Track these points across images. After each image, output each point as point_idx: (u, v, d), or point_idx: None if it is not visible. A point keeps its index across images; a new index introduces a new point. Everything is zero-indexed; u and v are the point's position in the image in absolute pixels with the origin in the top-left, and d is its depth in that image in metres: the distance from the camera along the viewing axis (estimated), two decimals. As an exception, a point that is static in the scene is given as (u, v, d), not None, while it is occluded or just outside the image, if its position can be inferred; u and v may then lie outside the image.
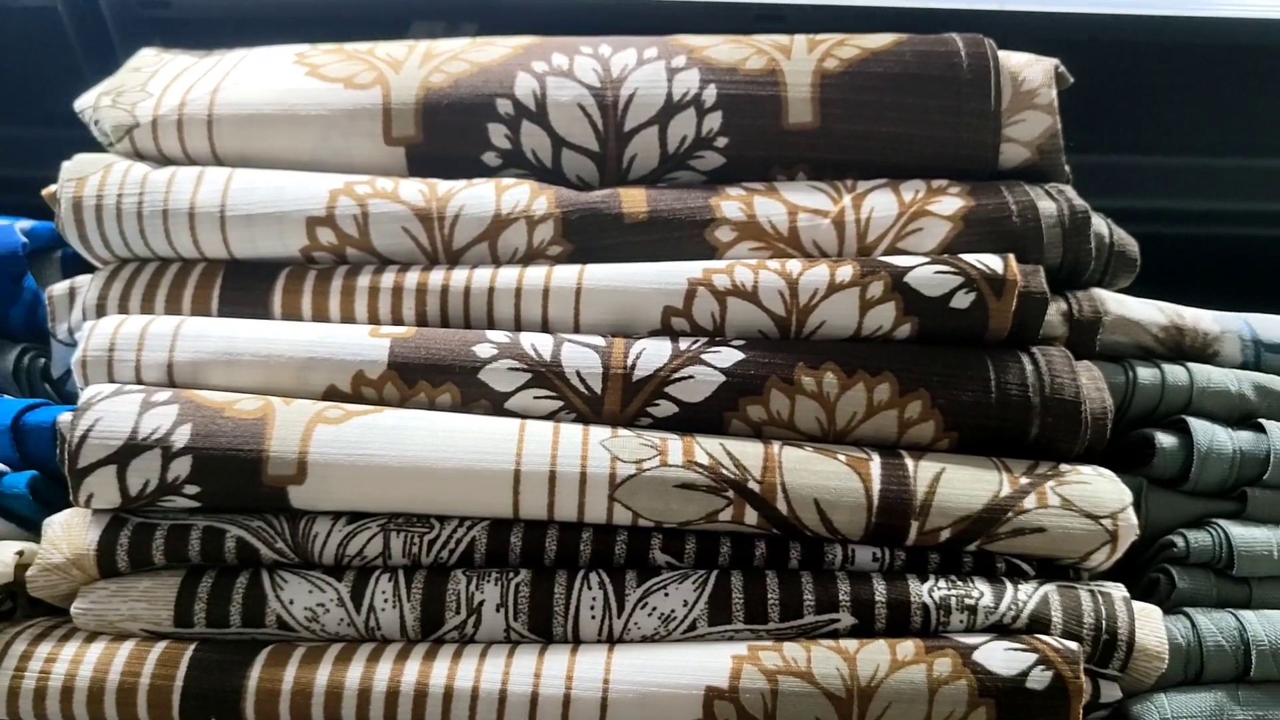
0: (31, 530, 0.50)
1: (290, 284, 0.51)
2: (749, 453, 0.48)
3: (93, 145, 0.55)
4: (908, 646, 0.46)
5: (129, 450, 0.46)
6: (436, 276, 0.51)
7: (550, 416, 0.49)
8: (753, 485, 0.47)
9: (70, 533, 0.47)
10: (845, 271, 0.50)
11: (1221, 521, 0.51)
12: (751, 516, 0.47)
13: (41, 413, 0.51)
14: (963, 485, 0.48)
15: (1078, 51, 0.56)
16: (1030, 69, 0.54)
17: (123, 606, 0.46)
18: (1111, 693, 0.47)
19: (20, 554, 0.48)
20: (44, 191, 0.53)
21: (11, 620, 0.48)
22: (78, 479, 0.46)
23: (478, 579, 0.47)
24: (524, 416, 0.49)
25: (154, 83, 0.55)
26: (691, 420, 0.49)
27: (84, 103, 0.55)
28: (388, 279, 0.51)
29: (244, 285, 0.52)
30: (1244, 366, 0.54)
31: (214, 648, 0.46)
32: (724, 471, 0.47)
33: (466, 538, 0.47)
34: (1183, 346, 0.54)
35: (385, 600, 0.46)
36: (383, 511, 0.47)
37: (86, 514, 0.48)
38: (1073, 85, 0.55)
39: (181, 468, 0.46)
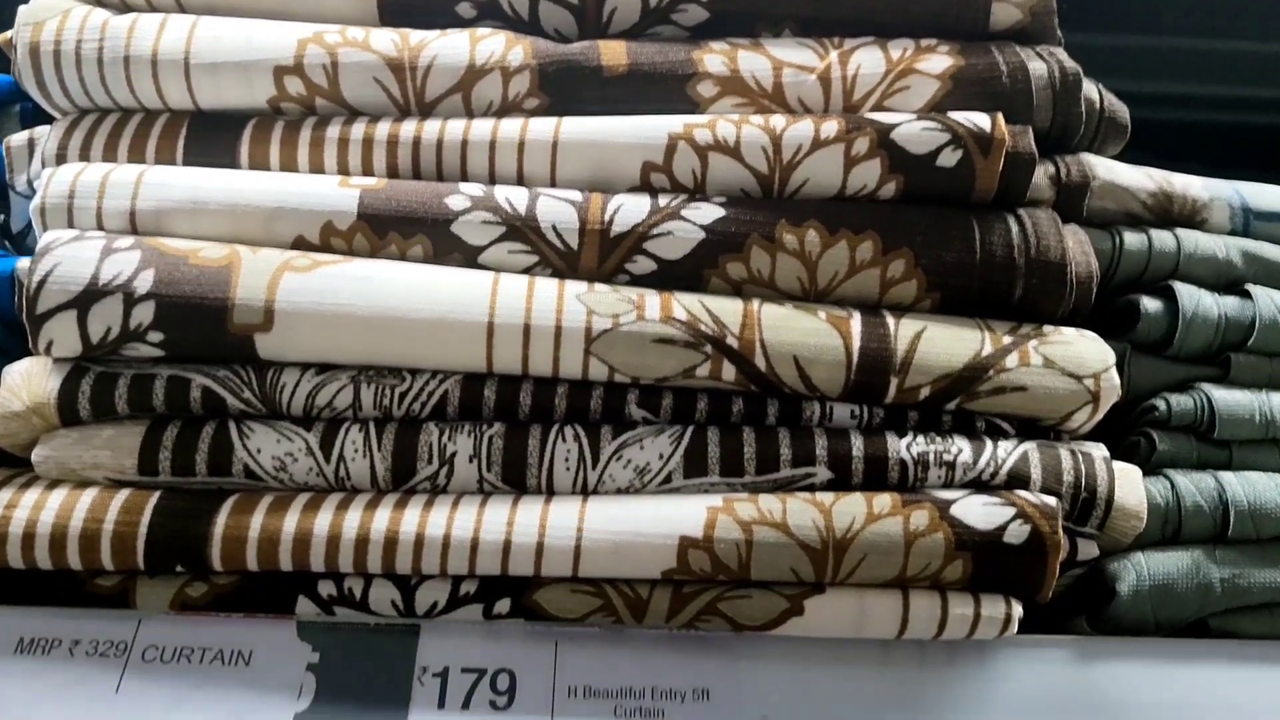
0: (-9, 382, 0.48)
1: (257, 135, 0.50)
2: (728, 309, 0.47)
3: (52, -7, 0.52)
4: (884, 500, 0.45)
5: (90, 295, 0.45)
6: (408, 128, 0.49)
7: (525, 272, 0.48)
8: (731, 341, 0.46)
9: (30, 381, 0.46)
10: (830, 127, 0.48)
11: (1204, 385, 0.50)
12: (729, 373, 0.46)
13: None
14: (944, 343, 0.47)
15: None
16: (1023, -73, 0.53)
17: (85, 454, 0.45)
18: (1089, 551, 0.47)
19: (-21, 404, 0.47)
20: None
21: (-29, 471, 0.47)
22: (37, 325, 0.45)
23: (450, 430, 0.46)
24: (498, 271, 0.47)
25: (115, -73, 0.53)
26: (670, 278, 0.48)
27: (42, -53, 0.53)
28: (358, 130, 0.49)
29: (209, 136, 0.50)
30: (1233, 234, 0.54)
31: (179, 495, 0.45)
32: (702, 327, 0.46)
33: (439, 390, 0.46)
34: (1171, 213, 0.53)
35: (355, 450, 0.46)
36: (352, 363, 0.46)
37: (47, 362, 0.46)
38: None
39: (144, 314, 0.45)
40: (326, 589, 0.45)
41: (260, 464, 0.45)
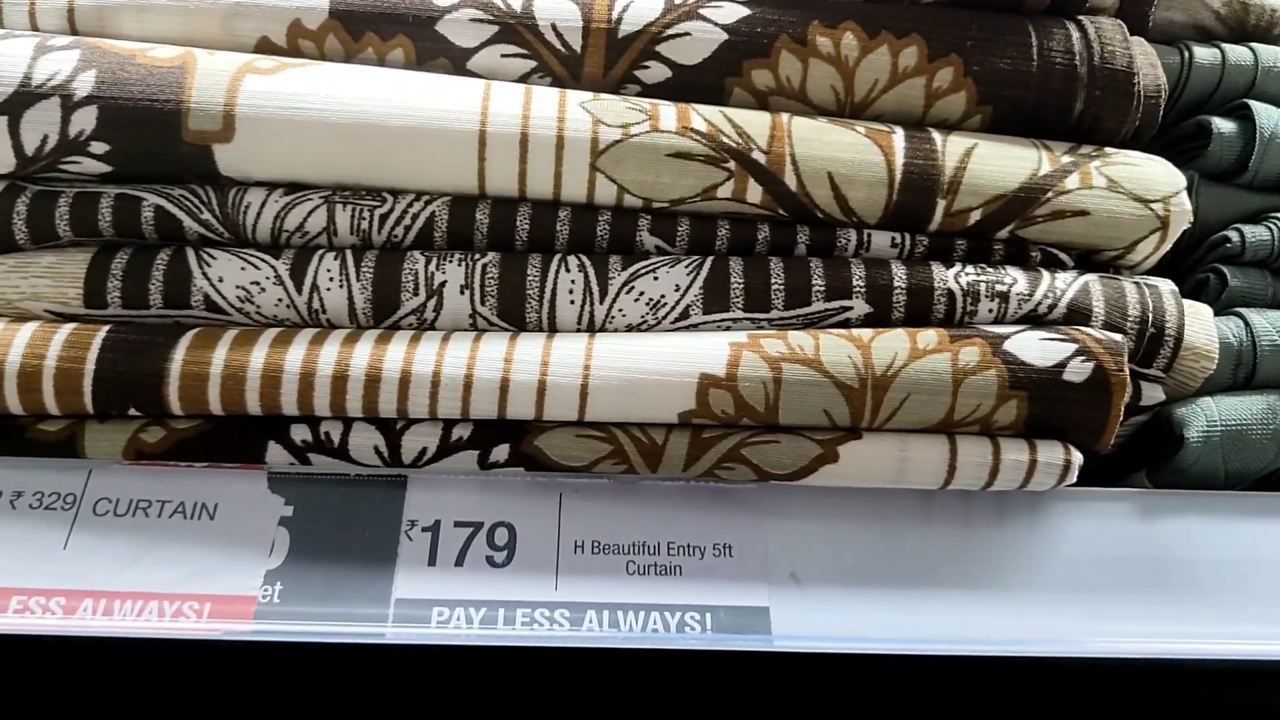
0: (-83, 210, 0.43)
1: (213, -72, 0.44)
2: (754, 121, 0.41)
3: None
4: (930, 335, 0.40)
5: (22, 98, 0.39)
6: (386, -82, 0.43)
7: (521, 81, 0.42)
8: (758, 156, 0.41)
9: (-43, 201, 0.40)
10: (868, -83, 0.42)
11: (1282, 215, 0.45)
12: (755, 193, 0.41)
13: (-78, 74, 0.44)
14: (997, 161, 0.42)
15: None
16: None
17: (23, 283, 0.40)
18: (1154, 395, 0.42)
19: (-98, 230, 0.41)
20: None
21: (-102, 310, 0.42)
22: (-38, 134, 0.39)
23: (438, 259, 0.41)
24: (490, 79, 0.42)
25: None
26: (687, 87, 0.42)
27: None
28: (329, -79, 0.43)
29: (158, -70, 0.44)
30: (1316, 50, 0.48)
31: (131, 329, 0.40)
32: (724, 139, 0.41)
33: (424, 213, 0.41)
34: (1247, 25, 0.48)
35: (331, 279, 0.40)
36: (326, 181, 0.41)
37: (-23, 183, 0.41)
38: None
39: (86, 120, 0.39)
40: (300, 434, 0.40)
41: (223, 294, 0.40)
